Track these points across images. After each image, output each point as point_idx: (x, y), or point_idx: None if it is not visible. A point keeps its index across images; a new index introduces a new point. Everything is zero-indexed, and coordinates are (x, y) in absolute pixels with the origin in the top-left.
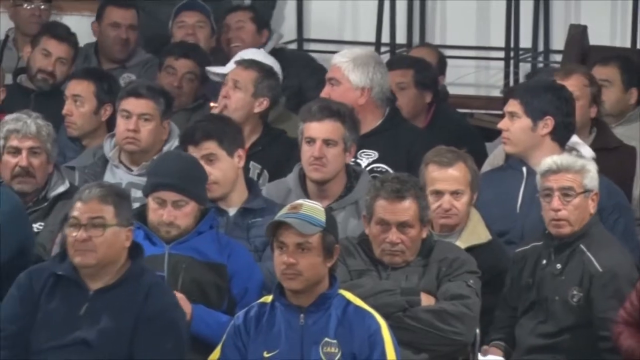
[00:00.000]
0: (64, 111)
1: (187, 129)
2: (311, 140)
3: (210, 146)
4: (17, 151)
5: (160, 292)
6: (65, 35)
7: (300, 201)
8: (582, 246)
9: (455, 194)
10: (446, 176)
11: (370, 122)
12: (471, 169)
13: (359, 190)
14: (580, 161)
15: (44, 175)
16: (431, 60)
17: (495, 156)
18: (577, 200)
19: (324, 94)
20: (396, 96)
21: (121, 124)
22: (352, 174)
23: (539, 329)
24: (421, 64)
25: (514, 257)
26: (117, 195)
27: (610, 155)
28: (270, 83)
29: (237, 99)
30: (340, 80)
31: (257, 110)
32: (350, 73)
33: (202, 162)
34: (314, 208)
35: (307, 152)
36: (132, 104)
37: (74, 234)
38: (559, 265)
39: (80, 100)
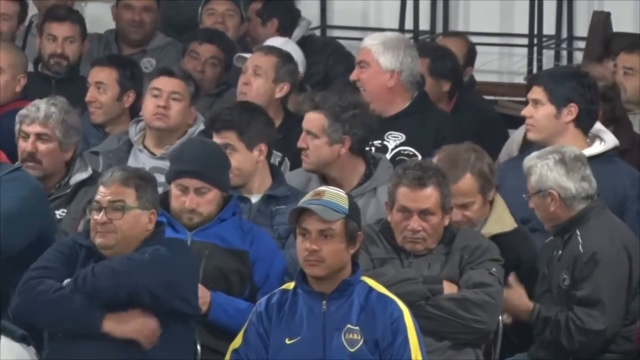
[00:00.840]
0: (87, 98)
1: (214, 114)
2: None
3: (230, 136)
4: (27, 136)
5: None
6: (66, 14)
7: (323, 188)
8: (577, 231)
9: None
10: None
11: (398, 105)
12: (478, 179)
13: (378, 177)
14: (527, 163)
15: (54, 162)
16: (460, 50)
17: (510, 144)
18: (536, 200)
19: (354, 76)
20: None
21: (150, 102)
22: (371, 160)
23: None
24: (438, 53)
25: (541, 249)
26: (140, 179)
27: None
28: (290, 68)
29: (258, 85)
30: (370, 63)
31: (278, 95)
32: (380, 56)
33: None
34: (337, 194)
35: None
36: (163, 82)
37: (96, 217)
38: (560, 252)
39: (103, 87)
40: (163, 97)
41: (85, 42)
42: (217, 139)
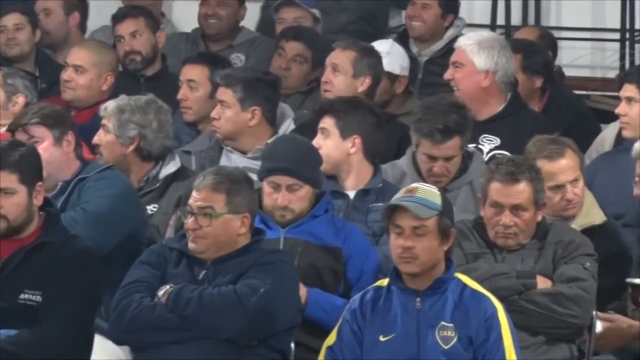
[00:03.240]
0: (179, 96)
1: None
2: None
3: (327, 121)
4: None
5: (273, 251)
6: (125, 12)
7: (415, 184)
8: None
9: (574, 181)
10: (562, 167)
11: (492, 107)
12: (578, 152)
13: (473, 171)
14: (638, 147)
15: (113, 154)
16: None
17: (601, 141)
18: None
19: (448, 75)
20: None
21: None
22: (466, 154)
23: None
24: (530, 49)
25: None
26: (233, 182)
27: None
28: (370, 61)
29: (338, 82)
30: (465, 63)
31: (360, 90)
32: (475, 56)
33: (318, 135)
34: (429, 191)
35: None
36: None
37: (187, 222)
38: None
39: (194, 84)
40: (217, 107)
41: (158, 34)
42: (319, 124)
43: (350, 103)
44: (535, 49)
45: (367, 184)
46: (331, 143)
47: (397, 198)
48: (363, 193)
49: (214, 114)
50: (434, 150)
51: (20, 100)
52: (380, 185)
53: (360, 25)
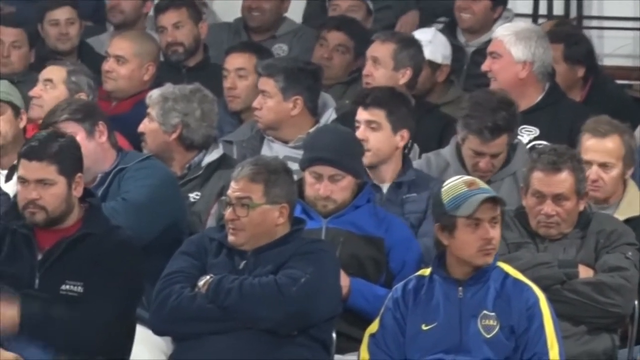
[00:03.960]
0: (228, 84)
1: (364, 89)
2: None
3: (379, 114)
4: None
5: (314, 240)
6: (169, 2)
7: (470, 177)
8: None
9: (604, 166)
10: (598, 147)
11: (530, 97)
12: (626, 143)
13: (516, 162)
14: None
15: (155, 142)
16: None
17: None
18: None
19: (485, 67)
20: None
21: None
22: (510, 146)
23: None
24: (572, 38)
25: None
26: (271, 172)
27: None
28: (410, 52)
29: (379, 75)
30: (502, 54)
31: (402, 82)
32: (512, 47)
33: (364, 127)
34: (482, 182)
35: None
36: (258, 82)
37: (226, 212)
38: None
39: (244, 73)
40: (257, 98)
41: (200, 24)
42: (363, 115)
43: (400, 97)
44: (578, 39)
45: (400, 176)
46: (382, 137)
47: (472, 192)
48: (396, 185)
49: (255, 104)
50: (482, 147)
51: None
52: (414, 177)
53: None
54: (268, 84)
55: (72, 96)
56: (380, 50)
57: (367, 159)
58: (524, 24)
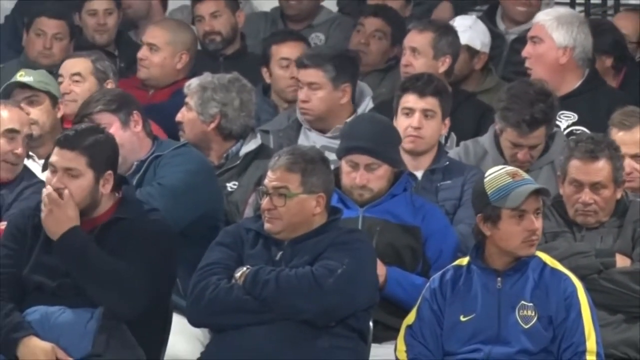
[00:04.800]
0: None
1: (414, 76)
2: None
3: (434, 103)
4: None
5: (350, 230)
6: None
7: (512, 168)
8: None
9: (636, 157)
10: (627, 139)
11: (569, 83)
12: None
13: (555, 151)
14: None
15: (193, 132)
16: (634, 25)
17: None
18: None
19: (525, 53)
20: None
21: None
22: (548, 136)
23: None
24: (597, 28)
25: None
26: (308, 162)
27: None
28: (448, 39)
29: (420, 65)
30: (543, 39)
31: (441, 70)
32: (554, 31)
33: (420, 115)
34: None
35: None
36: (300, 74)
37: (263, 202)
38: None
39: (289, 63)
40: (303, 90)
41: (238, 13)
42: (420, 103)
43: (445, 86)
44: (604, 29)
45: (434, 163)
46: (435, 125)
47: (517, 183)
48: (430, 172)
49: (302, 96)
50: (520, 140)
51: (110, 86)
52: (447, 163)
53: None
54: (317, 75)
55: (101, 85)
56: (419, 39)
57: (418, 147)
58: (566, 9)
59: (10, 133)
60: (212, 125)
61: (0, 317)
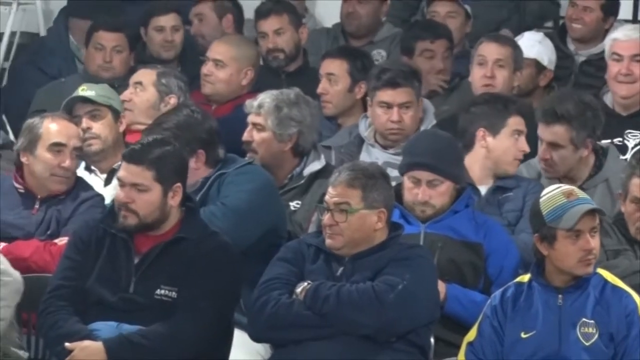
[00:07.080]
0: (319, 90)
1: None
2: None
3: (521, 123)
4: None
5: (411, 246)
6: (269, 8)
7: (567, 187)
8: None
9: None
10: None
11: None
12: None
13: (609, 168)
14: None
15: (269, 152)
16: None
17: None
18: None
19: (625, 69)
20: None
21: (382, 115)
22: (600, 151)
23: None
24: None
25: None
26: (368, 177)
27: None
28: (520, 51)
29: (504, 78)
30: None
31: (516, 83)
32: None
33: (506, 136)
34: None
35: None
36: (390, 96)
37: (324, 218)
38: None
39: (334, 78)
40: (394, 111)
41: (301, 30)
42: (547, 132)
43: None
44: None
45: (502, 179)
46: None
47: (572, 203)
48: (496, 188)
49: (395, 117)
50: (540, 132)
51: (172, 101)
52: (512, 180)
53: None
54: (410, 94)
55: (162, 98)
56: (503, 52)
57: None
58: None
59: (57, 147)
60: (290, 145)
61: (67, 326)
